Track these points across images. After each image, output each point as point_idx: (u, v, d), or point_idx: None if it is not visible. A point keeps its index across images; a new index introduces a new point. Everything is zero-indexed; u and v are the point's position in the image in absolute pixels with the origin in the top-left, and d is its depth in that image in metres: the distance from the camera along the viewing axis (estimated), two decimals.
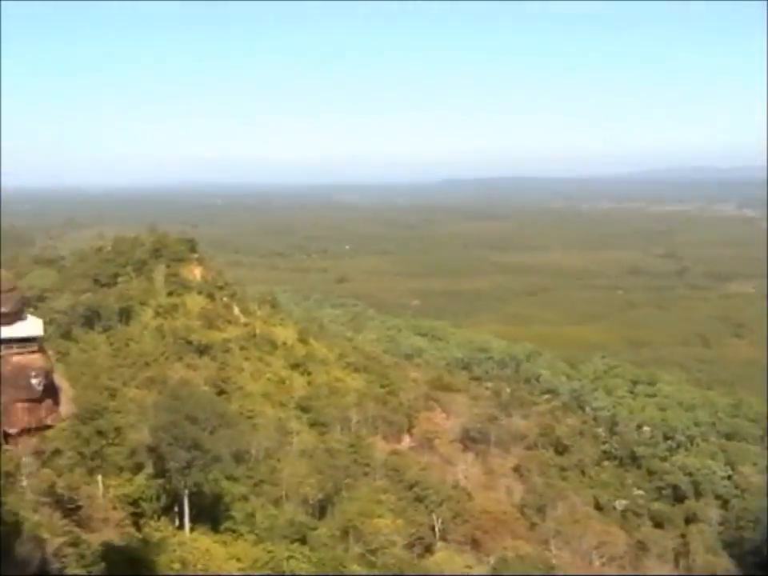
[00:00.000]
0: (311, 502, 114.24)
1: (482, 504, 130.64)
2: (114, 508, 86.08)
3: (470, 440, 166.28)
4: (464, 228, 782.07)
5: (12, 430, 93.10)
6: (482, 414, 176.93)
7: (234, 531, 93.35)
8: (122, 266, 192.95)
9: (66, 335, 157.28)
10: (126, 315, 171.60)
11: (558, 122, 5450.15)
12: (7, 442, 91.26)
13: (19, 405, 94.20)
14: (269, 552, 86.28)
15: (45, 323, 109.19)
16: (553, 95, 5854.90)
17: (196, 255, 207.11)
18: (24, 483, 79.72)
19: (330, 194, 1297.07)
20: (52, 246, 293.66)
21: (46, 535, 65.51)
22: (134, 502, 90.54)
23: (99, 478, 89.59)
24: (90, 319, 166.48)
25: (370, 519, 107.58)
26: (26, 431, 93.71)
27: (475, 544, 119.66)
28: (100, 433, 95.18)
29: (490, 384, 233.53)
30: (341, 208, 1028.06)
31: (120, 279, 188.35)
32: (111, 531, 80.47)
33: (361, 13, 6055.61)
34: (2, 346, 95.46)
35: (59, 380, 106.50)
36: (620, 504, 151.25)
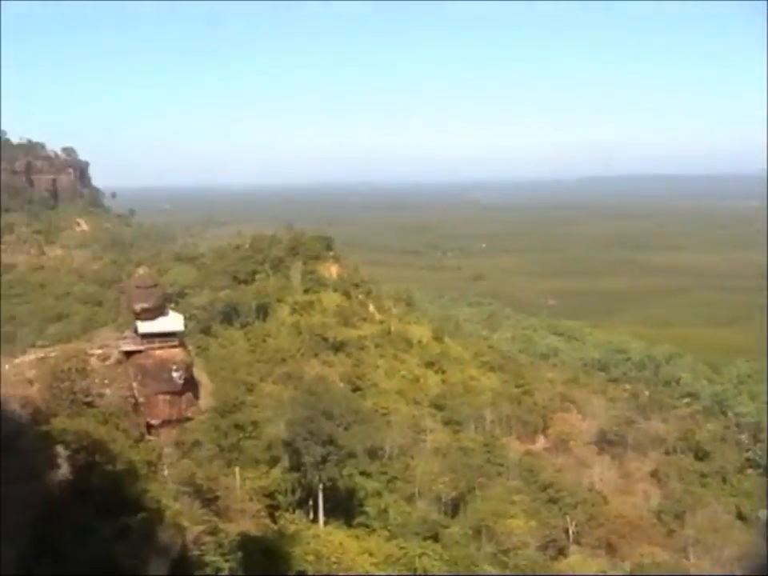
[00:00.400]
0: (444, 500, 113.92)
1: (618, 508, 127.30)
2: (251, 500, 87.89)
3: (606, 443, 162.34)
4: (603, 226, 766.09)
5: (154, 421, 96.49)
6: (619, 417, 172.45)
7: (367, 526, 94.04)
8: (260, 264, 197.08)
9: (206, 331, 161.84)
10: (263, 312, 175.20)
11: (700, 119, 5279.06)
12: (150, 433, 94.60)
13: (161, 397, 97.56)
14: (401, 548, 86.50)
15: (185, 319, 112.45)
16: (697, 92, 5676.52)
17: (332, 253, 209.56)
18: (165, 472, 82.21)
19: (466, 191, 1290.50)
20: (192, 243, 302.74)
21: (185, 523, 67.35)
22: (270, 495, 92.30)
23: (237, 469, 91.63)
24: (229, 315, 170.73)
25: (503, 519, 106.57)
26: (167, 423, 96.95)
27: (610, 549, 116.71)
28: (238, 426, 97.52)
29: (627, 386, 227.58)
30: (476, 206, 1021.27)
31: (258, 276, 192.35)
32: (248, 522, 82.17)
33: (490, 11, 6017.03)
34: (145, 341, 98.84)
35: (199, 374, 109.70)
36: (764, 514, 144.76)
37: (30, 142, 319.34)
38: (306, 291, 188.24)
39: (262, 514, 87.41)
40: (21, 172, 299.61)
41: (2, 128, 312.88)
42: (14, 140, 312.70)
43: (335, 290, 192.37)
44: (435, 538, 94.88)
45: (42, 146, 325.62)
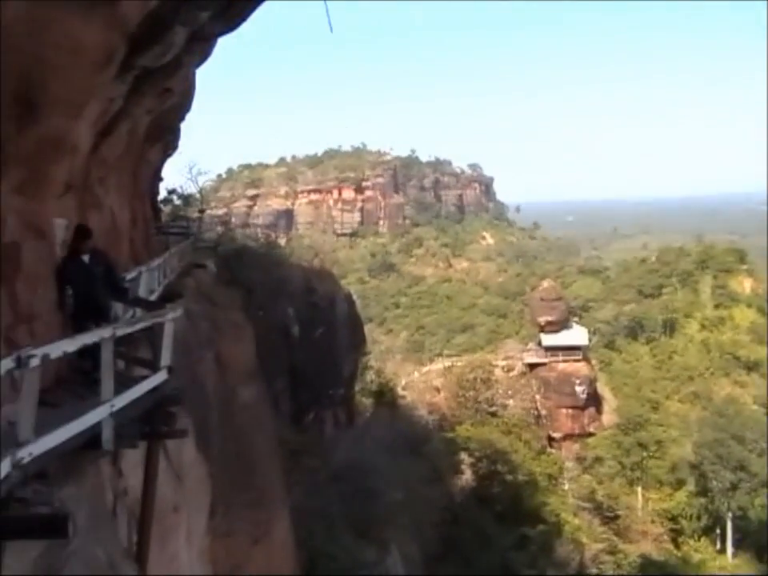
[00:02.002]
0: None
1: None
2: (653, 522, 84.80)
3: None
4: None
5: (556, 435, 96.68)
6: None
7: None
8: (667, 277, 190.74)
9: (610, 345, 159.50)
10: (670, 327, 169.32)
11: None
12: (551, 446, 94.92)
13: (563, 410, 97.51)
14: None
15: (589, 332, 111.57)
16: None
17: (746, 266, 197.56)
18: (566, 487, 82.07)
19: None
20: (596, 256, 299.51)
21: (584, 539, 66.60)
22: (673, 518, 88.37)
23: (638, 489, 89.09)
24: (634, 330, 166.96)
25: None
26: (568, 436, 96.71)
27: None
28: (641, 444, 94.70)
29: None
30: None
31: (664, 290, 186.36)
32: (649, 545, 79.32)
33: None
34: (549, 354, 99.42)
35: (602, 389, 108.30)
36: None
37: (437, 159, 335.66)
38: (717, 306, 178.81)
39: (664, 537, 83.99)
40: (429, 188, 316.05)
41: (413, 146, 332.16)
42: (423, 158, 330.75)
43: (749, 306, 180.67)
44: None
45: (449, 163, 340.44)
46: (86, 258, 12.38)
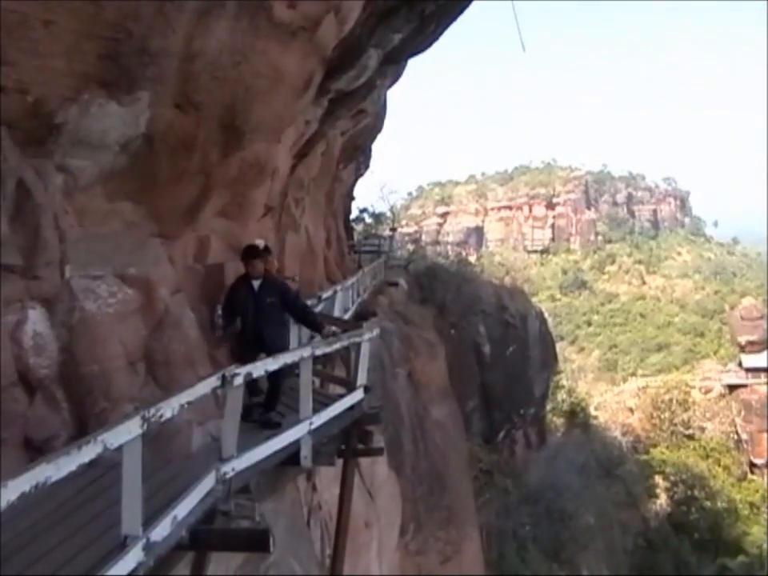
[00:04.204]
0: None
1: None
2: None
3: None
4: None
5: (758, 461, 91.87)
6: None
7: None
8: None
9: None
10: None
11: None
12: (753, 473, 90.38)
13: (766, 435, 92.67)
14: None
15: None
16: None
17: None
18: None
19: None
20: None
21: None
22: None
23: None
24: None
25: None
26: None
27: None
28: None
29: None
30: None
31: None
32: None
33: None
34: (750, 375, 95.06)
35: None
36: None
37: (630, 173, 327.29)
38: None
39: None
40: (622, 203, 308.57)
41: (604, 161, 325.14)
42: (616, 173, 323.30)
43: None
44: None
45: (642, 177, 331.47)
46: (256, 283, 10.87)
